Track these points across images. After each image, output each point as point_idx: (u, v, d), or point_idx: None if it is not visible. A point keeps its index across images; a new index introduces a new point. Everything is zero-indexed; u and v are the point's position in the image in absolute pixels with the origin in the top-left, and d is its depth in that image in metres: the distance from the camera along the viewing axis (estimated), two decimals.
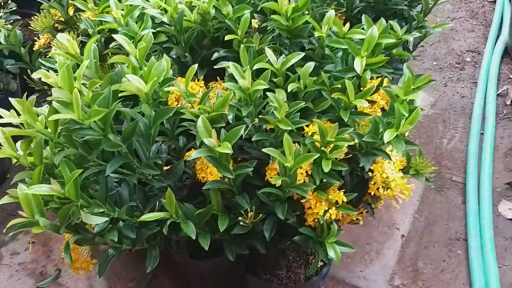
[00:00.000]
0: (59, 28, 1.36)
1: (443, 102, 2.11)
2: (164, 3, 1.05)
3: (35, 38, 1.42)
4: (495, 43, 2.37)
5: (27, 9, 2.15)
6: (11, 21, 1.63)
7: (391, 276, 1.43)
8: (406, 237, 1.54)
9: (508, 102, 2.04)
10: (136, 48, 0.88)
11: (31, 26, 1.34)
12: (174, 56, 1.17)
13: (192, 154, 0.87)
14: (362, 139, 0.95)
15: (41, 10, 1.38)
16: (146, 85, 0.83)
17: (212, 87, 1.15)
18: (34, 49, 1.42)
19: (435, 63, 2.37)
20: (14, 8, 1.75)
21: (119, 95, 0.87)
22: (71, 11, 1.34)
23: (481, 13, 2.66)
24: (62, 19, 1.34)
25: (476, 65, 2.31)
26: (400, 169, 1.07)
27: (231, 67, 0.94)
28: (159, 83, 0.90)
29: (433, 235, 1.54)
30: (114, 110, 0.80)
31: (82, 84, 0.80)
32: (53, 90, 0.74)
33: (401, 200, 1.03)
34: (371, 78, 1.13)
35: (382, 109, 1.16)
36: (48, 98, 0.76)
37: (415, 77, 1.06)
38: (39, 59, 1.19)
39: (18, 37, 1.39)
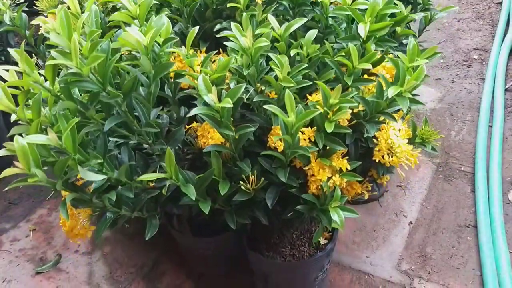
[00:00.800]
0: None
1: (450, 97, 2.09)
2: None
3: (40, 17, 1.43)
4: (503, 41, 2.35)
5: None
6: (17, 2, 1.64)
7: (399, 261, 1.39)
8: (414, 224, 1.50)
9: None
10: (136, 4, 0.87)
11: (36, 6, 1.34)
12: (177, 31, 1.17)
13: (192, 110, 0.85)
14: (366, 98, 0.93)
15: None
16: (145, 37, 0.82)
17: (214, 60, 1.14)
18: (39, 33, 1.43)
19: (442, 61, 2.35)
20: None
21: (118, 54, 0.86)
22: None
23: (488, 14, 2.65)
24: None
25: (484, 63, 2.29)
26: (406, 139, 1.04)
27: (232, 27, 0.93)
28: (159, 44, 0.90)
29: (442, 222, 1.50)
30: (113, 61, 0.79)
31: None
32: (51, 35, 0.73)
33: (406, 167, 1.00)
34: (375, 50, 1.12)
35: None
36: (46, 42, 0.75)
37: (420, 51, 1.05)
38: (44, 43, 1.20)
39: (23, 19, 1.39)
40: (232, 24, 0.94)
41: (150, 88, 0.88)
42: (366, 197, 1.13)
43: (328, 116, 0.92)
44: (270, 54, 0.93)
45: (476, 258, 1.38)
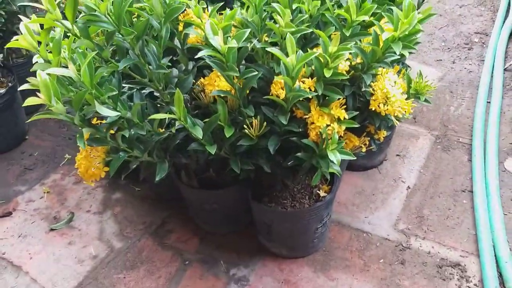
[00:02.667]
0: None
1: (450, 76, 2.14)
2: None
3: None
4: (503, 25, 2.40)
5: None
6: None
7: (396, 221, 1.44)
8: (412, 189, 1.56)
9: None
10: None
11: None
12: None
13: (200, 53, 0.92)
14: (363, 44, 0.99)
15: None
16: None
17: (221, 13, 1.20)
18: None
19: (443, 43, 2.40)
20: None
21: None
22: None
23: (489, 0, 2.70)
24: None
25: (484, 45, 2.34)
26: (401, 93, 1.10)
27: None
28: None
29: (439, 187, 1.55)
30: (128, 3, 0.86)
31: None
32: None
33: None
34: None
35: None
36: None
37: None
38: None
39: None
40: None
41: (161, 32, 0.95)
42: (363, 150, 1.19)
43: (328, 65, 0.98)
44: (274, 4, 0.99)
45: (471, 219, 1.43)
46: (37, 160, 1.75)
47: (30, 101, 0.84)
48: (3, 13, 1.65)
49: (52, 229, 1.48)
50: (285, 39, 0.95)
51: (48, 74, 0.82)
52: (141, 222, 1.49)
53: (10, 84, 1.74)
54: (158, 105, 1.07)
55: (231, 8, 1.19)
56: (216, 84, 1.05)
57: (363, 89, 1.09)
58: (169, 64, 1.00)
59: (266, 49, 0.94)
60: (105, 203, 1.57)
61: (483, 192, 1.48)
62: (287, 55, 0.94)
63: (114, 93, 0.88)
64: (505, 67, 2.13)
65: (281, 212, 1.21)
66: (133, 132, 0.98)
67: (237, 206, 1.35)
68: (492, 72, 2.10)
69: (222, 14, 1.19)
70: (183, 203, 1.44)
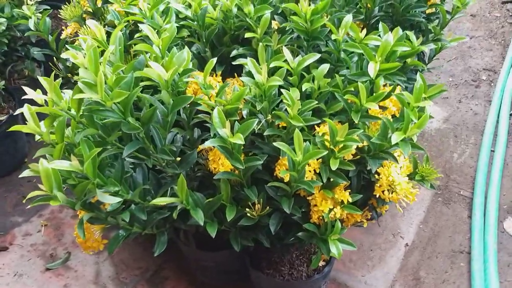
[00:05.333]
0: (86, 18, 1.42)
1: (456, 118, 2.13)
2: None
3: (63, 27, 1.48)
4: None
5: (55, 1, 2.22)
6: (40, 11, 1.69)
7: (392, 283, 1.45)
8: (410, 246, 1.56)
9: None
10: (159, 38, 0.92)
11: (60, 15, 1.39)
12: (194, 51, 1.21)
13: (206, 142, 0.91)
14: (371, 140, 0.97)
15: (68, 2, 1.44)
16: (166, 72, 0.86)
17: (229, 83, 1.18)
18: (61, 37, 1.48)
19: (451, 79, 2.38)
20: None
21: (140, 84, 0.91)
22: (99, 2, 1.39)
23: (500, 33, 2.67)
24: (90, 9, 1.39)
25: (492, 84, 2.32)
26: (406, 175, 1.09)
27: (248, 63, 0.98)
28: (178, 73, 0.94)
29: (437, 246, 1.55)
30: (135, 94, 0.84)
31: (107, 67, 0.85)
32: (80, 70, 0.78)
33: (405, 204, 1.05)
34: (384, 85, 1.16)
35: (393, 116, 1.19)
36: (75, 77, 0.80)
37: (427, 87, 1.09)
38: (66, 46, 1.24)
39: (47, 24, 1.44)
40: (249, 59, 0.98)
41: (167, 118, 0.93)
42: (365, 225, 1.18)
43: (334, 150, 0.97)
44: (283, 91, 0.97)
45: (467, 285, 1.43)
46: (35, 188, 1.73)
47: (33, 194, 0.83)
48: (7, 40, 1.63)
49: (48, 269, 1.48)
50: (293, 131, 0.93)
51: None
52: (137, 266, 1.49)
53: (11, 111, 1.72)
54: (160, 176, 1.06)
55: (240, 73, 1.18)
56: (220, 162, 1.03)
57: (368, 167, 1.08)
58: (173, 149, 0.98)
59: (274, 143, 0.93)
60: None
61: (481, 256, 1.48)
62: (292, 145, 0.93)
63: (117, 188, 0.86)
64: (511, 112, 2.12)
65: (279, 282, 1.21)
66: (133, 210, 0.97)
67: (234, 264, 1.34)
68: (498, 116, 2.08)
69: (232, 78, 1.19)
70: (179, 249, 1.44)
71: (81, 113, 0.87)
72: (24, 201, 0.85)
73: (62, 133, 0.87)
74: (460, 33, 2.70)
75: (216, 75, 1.16)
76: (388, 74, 1.12)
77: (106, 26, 1.30)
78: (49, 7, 1.78)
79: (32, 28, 1.39)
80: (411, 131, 0.92)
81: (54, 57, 1.50)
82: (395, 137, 0.91)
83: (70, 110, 0.85)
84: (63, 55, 0.82)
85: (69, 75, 1.49)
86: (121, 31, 1.26)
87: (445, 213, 1.67)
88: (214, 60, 1.00)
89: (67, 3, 1.40)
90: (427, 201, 1.71)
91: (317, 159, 1.01)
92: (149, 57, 0.96)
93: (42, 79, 0.84)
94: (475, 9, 2.87)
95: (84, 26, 1.29)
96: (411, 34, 1.34)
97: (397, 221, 1.64)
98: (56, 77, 1.45)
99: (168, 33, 0.92)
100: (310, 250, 1.28)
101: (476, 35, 2.68)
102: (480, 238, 1.54)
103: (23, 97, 0.86)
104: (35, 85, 1.89)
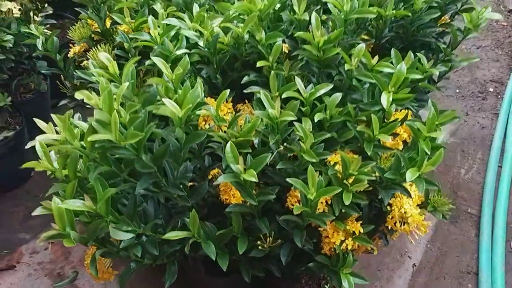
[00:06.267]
0: (95, 39, 1.41)
1: (463, 131, 2.12)
2: (201, 26, 1.08)
3: (70, 44, 1.47)
4: None
5: (61, 11, 2.21)
6: (47, 25, 1.68)
7: None
8: (418, 266, 1.55)
9: None
10: (172, 72, 0.91)
11: (68, 35, 1.38)
12: (204, 76, 1.20)
13: (219, 178, 0.90)
14: (384, 175, 0.97)
15: (75, 12, 1.42)
16: (180, 110, 0.86)
17: (240, 109, 1.18)
18: (69, 55, 1.47)
19: (458, 90, 2.37)
20: (50, 12, 1.80)
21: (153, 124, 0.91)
22: (108, 23, 1.38)
23: (507, 44, 2.66)
24: (99, 30, 1.38)
25: (499, 96, 2.32)
26: (418, 204, 1.09)
27: (261, 95, 0.97)
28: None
29: (444, 267, 1.55)
30: (149, 132, 0.84)
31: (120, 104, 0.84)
32: (95, 112, 0.77)
33: (417, 236, 1.05)
34: (396, 110, 1.16)
35: (404, 141, 1.18)
36: (89, 119, 0.80)
37: (438, 113, 1.09)
38: (76, 71, 1.24)
39: (55, 44, 1.43)
40: (262, 93, 0.97)
41: (180, 153, 0.93)
42: (375, 253, 1.18)
43: (347, 184, 0.96)
44: (295, 124, 0.96)
45: None
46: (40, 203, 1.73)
47: (47, 234, 0.83)
48: (13, 57, 1.62)
49: None
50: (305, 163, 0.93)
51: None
52: (144, 287, 1.49)
53: (18, 126, 1.72)
54: (172, 207, 1.05)
55: (250, 99, 1.17)
56: (232, 193, 1.03)
57: (380, 197, 1.08)
58: (185, 183, 0.97)
59: (287, 179, 0.92)
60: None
61: (488, 277, 1.48)
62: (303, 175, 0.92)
63: (129, 228, 0.86)
64: None
65: None
66: (145, 243, 0.97)
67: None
68: (506, 130, 2.08)
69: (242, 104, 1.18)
70: (186, 272, 1.44)
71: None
72: (38, 242, 0.84)
73: (74, 170, 0.87)
74: (466, 43, 2.69)
75: (227, 101, 1.15)
76: (400, 101, 1.12)
77: (116, 49, 1.29)
78: (55, 21, 1.79)
79: (40, 48, 1.38)
80: (425, 168, 0.92)
81: (61, 75, 1.49)
82: (410, 175, 0.90)
83: (83, 148, 0.85)
84: (77, 96, 0.81)
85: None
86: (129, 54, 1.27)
87: (452, 232, 1.67)
88: (227, 92, 0.99)
89: (71, 16, 1.39)
90: (435, 219, 1.71)
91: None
92: (162, 88, 0.96)
93: (55, 117, 0.83)
94: (490, 7, 2.84)
95: (93, 48, 1.27)
96: (422, 57, 1.34)
97: (405, 240, 1.63)
98: (60, 92, 1.47)
99: (181, 68, 0.91)
100: (320, 276, 1.28)
101: (483, 44, 2.67)
102: (488, 259, 1.54)
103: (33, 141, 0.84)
104: (42, 98, 1.89)
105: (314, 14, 1.09)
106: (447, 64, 1.49)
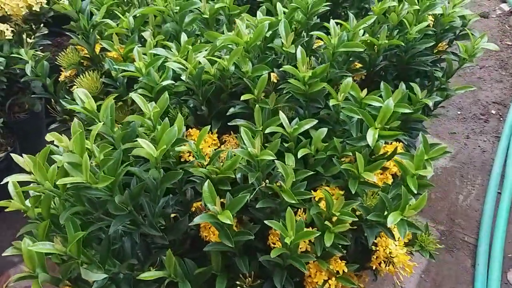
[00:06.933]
0: (85, 64, 1.40)
1: (463, 155, 2.08)
2: (185, 59, 1.07)
3: (61, 70, 1.46)
4: None
5: (60, 26, 2.21)
6: (41, 47, 1.67)
7: None
8: None
9: None
10: (150, 111, 0.90)
11: (57, 62, 1.38)
12: (191, 106, 1.19)
13: (195, 219, 0.88)
14: (367, 217, 0.94)
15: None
16: (156, 150, 0.84)
17: (225, 140, 1.16)
18: (60, 79, 1.46)
19: (459, 112, 2.34)
20: (46, 32, 1.80)
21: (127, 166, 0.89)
22: (98, 49, 1.38)
23: (511, 64, 2.62)
24: (88, 55, 1.37)
25: (501, 119, 2.28)
26: (405, 243, 1.06)
27: (242, 132, 0.95)
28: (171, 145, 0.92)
29: None
30: (122, 173, 0.82)
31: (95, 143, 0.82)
32: (64, 155, 0.76)
33: (402, 277, 1.02)
34: (386, 142, 1.13)
35: (394, 175, 1.16)
36: (58, 163, 0.78)
37: (429, 147, 1.06)
38: (65, 96, 1.23)
39: (45, 68, 1.42)
40: (242, 129, 0.95)
41: (157, 191, 0.91)
42: None
43: (329, 225, 0.94)
44: (276, 162, 0.94)
45: None
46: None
47: (15, 277, 0.82)
48: (5, 79, 1.62)
49: None
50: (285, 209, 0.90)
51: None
52: None
53: (9, 148, 1.71)
54: (152, 244, 1.03)
55: (236, 130, 1.15)
56: (212, 230, 1.01)
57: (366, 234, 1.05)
58: (162, 222, 0.96)
59: (265, 221, 0.90)
60: None
61: None
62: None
63: (101, 272, 0.84)
64: None
65: None
66: (120, 282, 0.95)
67: None
68: (506, 155, 2.04)
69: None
70: None
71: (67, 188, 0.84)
72: (4, 286, 0.83)
73: (48, 210, 0.85)
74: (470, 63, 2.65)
75: (212, 133, 1.14)
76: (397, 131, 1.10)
77: (103, 77, 1.28)
78: (50, 42, 1.78)
79: (29, 73, 1.37)
80: (408, 212, 0.89)
81: (52, 100, 1.48)
82: (391, 219, 0.88)
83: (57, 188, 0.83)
84: (47, 138, 0.79)
85: (66, 117, 1.47)
86: (117, 82, 1.26)
87: (448, 261, 1.63)
88: (208, 128, 0.98)
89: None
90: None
91: (313, 227, 0.98)
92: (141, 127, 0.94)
93: (26, 157, 0.82)
94: (486, 37, 2.81)
95: (81, 75, 1.27)
96: (415, 86, 1.32)
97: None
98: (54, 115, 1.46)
99: (159, 107, 0.90)
100: None
101: (486, 65, 2.63)
102: None
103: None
104: (36, 118, 1.89)
105: (300, 48, 1.07)
106: (443, 93, 1.46)
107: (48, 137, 0.79)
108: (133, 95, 0.92)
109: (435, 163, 2.03)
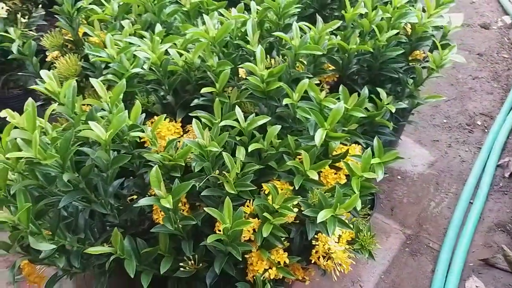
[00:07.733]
0: (69, 47, 1.46)
1: (442, 163, 2.11)
2: (151, 50, 1.12)
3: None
4: (510, 110, 2.35)
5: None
6: (35, 28, 1.74)
7: None
8: None
9: (507, 175, 2.02)
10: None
11: (40, 44, 1.44)
12: (160, 95, 1.24)
13: (140, 201, 0.94)
14: (303, 212, 0.99)
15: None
16: (106, 133, 0.90)
17: (188, 130, 1.21)
18: (46, 60, 1.52)
19: (445, 120, 2.36)
20: (42, 13, 1.87)
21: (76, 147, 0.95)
22: (81, 33, 1.44)
23: (505, 76, 2.63)
24: (71, 39, 1.44)
25: (486, 130, 2.30)
26: (347, 241, 1.11)
27: (194, 125, 1.01)
28: (126, 127, 0.98)
29: None
30: (72, 152, 0.88)
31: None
32: (15, 131, 0.82)
33: (338, 273, 1.07)
34: (345, 144, 1.18)
35: (348, 176, 1.20)
36: (6, 138, 0.84)
37: (382, 151, 1.10)
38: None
39: (32, 48, 1.48)
40: (194, 122, 1.01)
41: (107, 172, 0.97)
42: (307, 283, 1.20)
43: (268, 217, 0.99)
44: (223, 153, 0.99)
45: None
46: None
47: None
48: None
49: None
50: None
51: None
52: None
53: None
54: (107, 222, 1.09)
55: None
56: (161, 213, 1.06)
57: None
58: (111, 202, 1.02)
59: (204, 208, 0.95)
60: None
61: None
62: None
63: (50, 237, 0.90)
64: (498, 163, 2.09)
65: None
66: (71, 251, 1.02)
67: None
68: (484, 167, 2.06)
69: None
70: None
71: (22, 162, 0.90)
72: None
73: (4, 181, 0.91)
74: (464, 72, 2.67)
75: (176, 122, 1.19)
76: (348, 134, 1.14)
77: (83, 60, 1.34)
78: (45, 22, 1.85)
79: (15, 52, 1.44)
80: (339, 211, 0.94)
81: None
82: (322, 215, 0.93)
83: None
84: (1, 114, 0.86)
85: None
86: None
87: (409, 265, 1.67)
88: (163, 116, 1.03)
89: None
90: (394, 250, 1.72)
91: (258, 218, 1.04)
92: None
93: None
94: (483, 48, 2.83)
95: (63, 56, 1.33)
96: (381, 91, 1.36)
97: (359, 268, 1.65)
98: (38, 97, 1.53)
99: (114, 94, 0.95)
100: None
101: (479, 75, 2.64)
102: None
103: None
104: (30, 95, 1.95)
105: (259, 47, 1.12)
106: (413, 101, 1.50)
107: (2, 113, 0.85)
108: (92, 80, 0.98)
109: (413, 169, 2.07)
